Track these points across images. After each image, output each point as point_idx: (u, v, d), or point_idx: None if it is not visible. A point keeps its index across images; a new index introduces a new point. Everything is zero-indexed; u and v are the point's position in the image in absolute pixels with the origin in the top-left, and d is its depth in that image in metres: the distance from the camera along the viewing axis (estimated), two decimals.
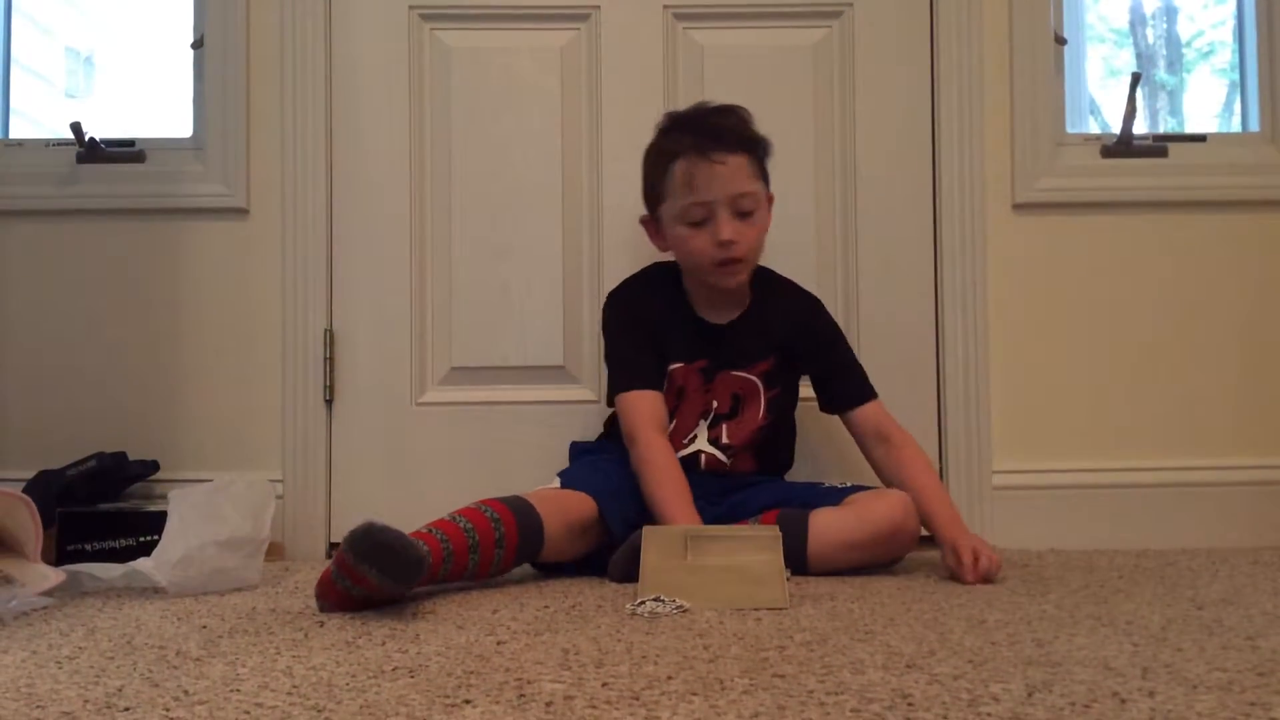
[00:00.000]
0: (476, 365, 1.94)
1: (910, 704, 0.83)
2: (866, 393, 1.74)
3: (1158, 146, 2.00)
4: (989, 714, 0.79)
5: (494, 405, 1.93)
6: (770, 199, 1.70)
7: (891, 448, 1.70)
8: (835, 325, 1.80)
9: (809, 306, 1.79)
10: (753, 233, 1.66)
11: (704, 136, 1.64)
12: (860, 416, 1.73)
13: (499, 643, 1.09)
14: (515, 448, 1.92)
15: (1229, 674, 0.91)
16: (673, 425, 1.71)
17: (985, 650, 1.02)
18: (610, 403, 1.75)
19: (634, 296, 1.76)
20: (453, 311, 1.95)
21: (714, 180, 1.62)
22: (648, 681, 0.91)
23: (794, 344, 1.74)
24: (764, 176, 1.68)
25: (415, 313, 1.94)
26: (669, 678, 0.92)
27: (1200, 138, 2.02)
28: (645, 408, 1.65)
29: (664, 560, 1.37)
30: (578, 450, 1.80)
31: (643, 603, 1.26)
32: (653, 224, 1.73)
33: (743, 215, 1.64)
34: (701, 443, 1.72)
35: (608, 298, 1.79)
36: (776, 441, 1.77)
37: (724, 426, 1.72)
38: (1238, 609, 1.25)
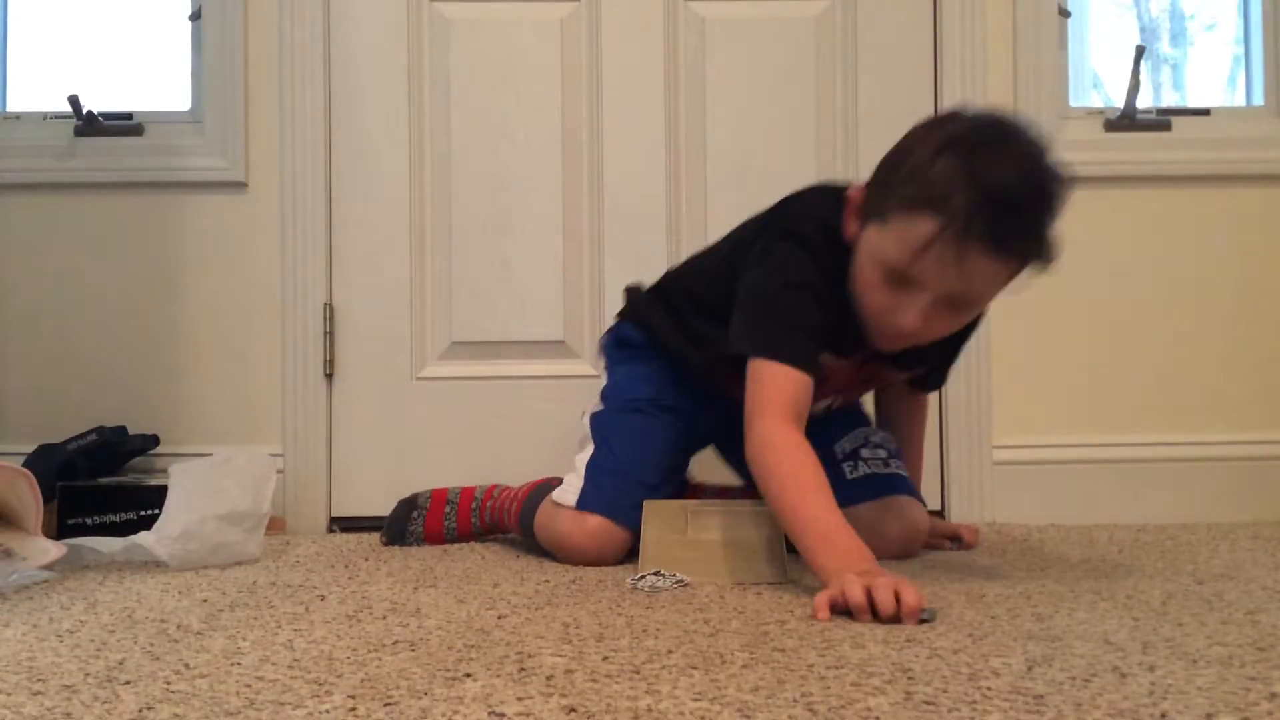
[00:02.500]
0: (477, 340, 1.94)
1: (910, 678, 0.83)
2: (939, 384, 1.65)
3: (1161, 120, 1.98)
4: (989, 688, 0.79)
5: (494, 380, 1.93)
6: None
7: (912, 414, 1.65)
8: None
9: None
10: (950, 325, 1.28)
11: (991, 224, 1.15)
12: (922, 393, 1.65)
13: (500, 616, 1.09)
14: (515, 422, 1.92)
15: (1229, 649, 0.91)
16: None
17: (985, 624, 1.03)
18: (710, 308, 1.47)
19: (828, 259, 1.33)
20: (453, 286, 1.94)
21: (947, 273, 1.18)
22: (648, 655, 0.91)
23: (956, 344, 1.51)
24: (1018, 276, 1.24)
25: (415, 287, 1.94)
26: (669, 652, 0.92)
27: (1204, 111, 2.01)
28: (793, 392, 1.28)
29: (664, 535, 1.37)
30: (622, 357, 1.62)
31: (643, 577, 1.26)
32: (857, 214, 1.29)
33: (954, 306, 1.24)
34: (815, 410, 1.46)
35: (800, 238, 1.34)
36: None
37: (844, 401, 1.57)
38: (1238, 584, 1.25)
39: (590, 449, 1.52)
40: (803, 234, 1.34)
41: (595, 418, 1.57)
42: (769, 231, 1.39)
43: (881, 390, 1.63)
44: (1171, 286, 1.97)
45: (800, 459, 1.23)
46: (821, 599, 1.07)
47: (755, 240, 1.40)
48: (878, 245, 1.23)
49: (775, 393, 1.28)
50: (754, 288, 1.36)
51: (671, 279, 1.64)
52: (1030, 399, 1.95)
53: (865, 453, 1.52)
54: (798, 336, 1.31)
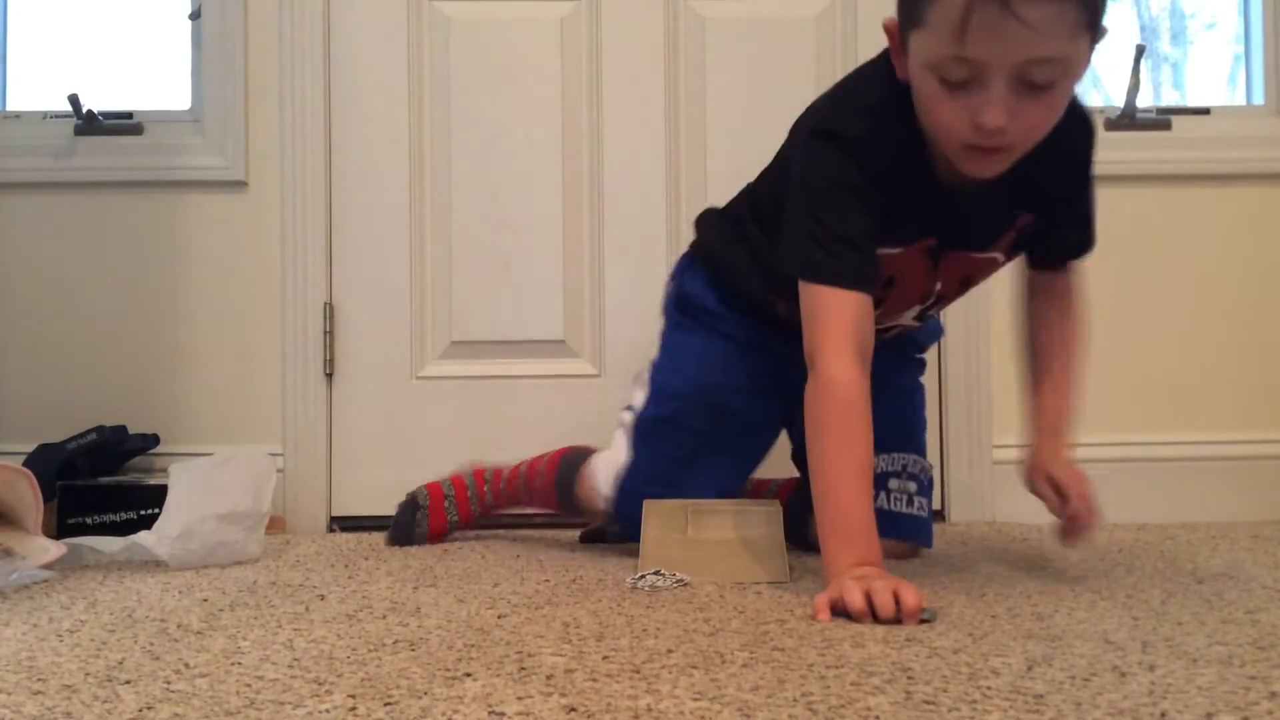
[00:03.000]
0: (476, 339, 1.94)
1: (910, 677, 0.83)
2: (1083, 246, 1.33)
3: (1161, 119, 1.98)
4: (989, 687, 0.79)
5: (494, 379, 1.93)
6: (1092, 46, 1.09)
7: (1064, 321, 1.34)
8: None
9: (1085, 140, 1.28)
10: (1040, 114, 1.10)
11: None
12: (1052, 275, 1.35)
13: (500, 616, 1.09)
14: (515, 422, 1.92)
15: (1229, 648, 0.91)
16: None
17: (985, 624, 1.03)
18: (762, 226, 1.37)
19: (872, 149, 1.19)
20: (453, 285, 1.94)
21: (1003, 39, 1.02)
22: (648, 655, 0.91)
23: (1051, 193, 1.27)
24: (1094, 24, 1.07)
25: (415, 286, 1.94)
26: (669, 651, 0.92)
27: (1204, 110, 2.01)
28: (851, 318, 1.17)
29: (664, 534, 1.37)
30: (679, 323, 1.52)
31: (643, 576, 1.26)
32: (898, 41, 1.16)
33: (1033, 88, 1.06)
34: (904, 320, 1.40)
35: (829, 134, 1.21)
36: None
37: (936, 307, 1.40)
38: (1237, 583, 1.25)
39: (624, 445, 1.48)
40: (834, 129, 1.20)
41: (639, 420, 1.49)
42: (805, 132, 1.26)
43: (1032, 297, 1.37)
44: (1171, 286, 1.97)
45: (855, 423, 1.13)
46: (821, 600, 1.06)
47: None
48: (922, 51, 1.10)
49: (833, 322, 1.17)
50: (791, 202, 1.24)
51: (744, 196, 1.49)
52: None
53: (894, 484, 1.45)
54: (843, 250, 1.18)
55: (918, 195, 1.21)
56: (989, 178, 1.15)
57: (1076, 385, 1.33)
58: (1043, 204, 1.27)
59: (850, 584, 1.04)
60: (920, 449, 1.52)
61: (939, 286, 1.33)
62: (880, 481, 1.40)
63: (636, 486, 1.45)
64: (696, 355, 1.48)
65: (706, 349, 1.48)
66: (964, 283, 1.35)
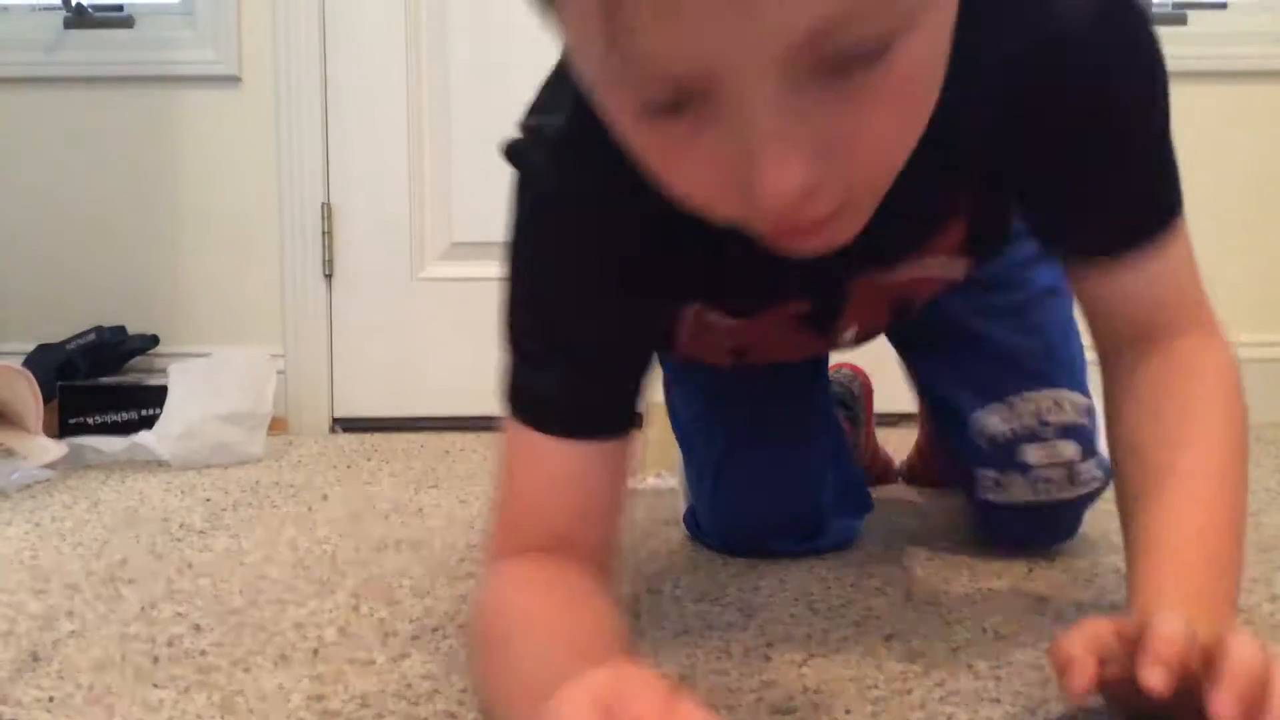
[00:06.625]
0: (477, 240, 1.91)
1: (911, 579, 0.83)
2: (1143, 229, 0.71)
3: (1177, 14, 1.93)
4: (990, 589, 0.79)
5: (495, 281, 1.90)
6: None
7: (1147, 391, 0.70)
8: (1154, 82, 0.65)
9: (1104, 65, 0.62)
10: (885, 115, 0.43)
11: None
12: (1110, 282, 0.71)
13: None
14: None
15: None
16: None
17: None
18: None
19: (584, 232, 0.68)
20: (452, 185, 1.91)
21: (722, 15, 0.38)
22: (649, 555, 0.91)
23: (1022, 156, 0.68)
24: None
25: (414, 186, 1.91)
26: (671, 552, 0.92)
27: (1221, 5, 1.96)
28: (538, 480, 0.65)
29: (667, 435, 1.36)
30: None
31: (645, 479, 1.26)
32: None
33: (842, 71, 0.40)
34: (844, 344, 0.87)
35: (520, 224, 0.71)
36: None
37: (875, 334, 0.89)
38: None
39: None
40: (523, 227, 0.71)
41: None
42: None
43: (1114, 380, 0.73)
44: (1186, 183, 1.94)
45: (511, 648, 0.56)
46: None
47: None
48: (579, 57, 0.50)
49: (508, 487, 0.66)
50: None
51: None
52: None
53: (1034, 453, 0.87)
54: (548, 366, 0.68)
55: (739, 252, 0.58)
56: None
57: (1229, 517, 0.66)
58: (991, 179, 0.71)
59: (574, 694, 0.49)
60: (1054, 379, 0.89)
61: (850, 335, 0.82)
62: (1010, 445, 0.87)
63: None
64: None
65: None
66: (898, 309, 0.82)
